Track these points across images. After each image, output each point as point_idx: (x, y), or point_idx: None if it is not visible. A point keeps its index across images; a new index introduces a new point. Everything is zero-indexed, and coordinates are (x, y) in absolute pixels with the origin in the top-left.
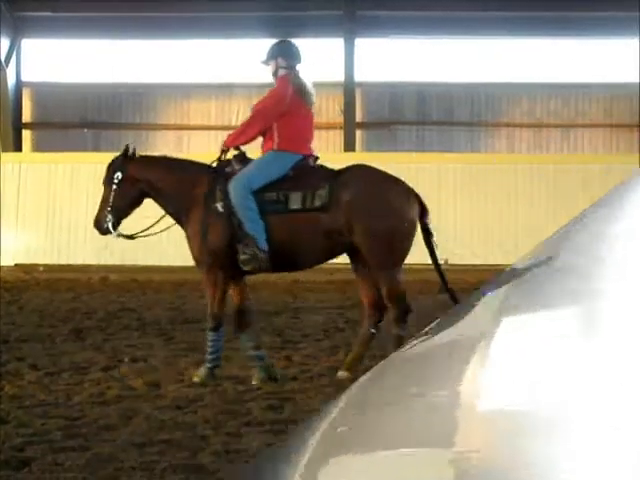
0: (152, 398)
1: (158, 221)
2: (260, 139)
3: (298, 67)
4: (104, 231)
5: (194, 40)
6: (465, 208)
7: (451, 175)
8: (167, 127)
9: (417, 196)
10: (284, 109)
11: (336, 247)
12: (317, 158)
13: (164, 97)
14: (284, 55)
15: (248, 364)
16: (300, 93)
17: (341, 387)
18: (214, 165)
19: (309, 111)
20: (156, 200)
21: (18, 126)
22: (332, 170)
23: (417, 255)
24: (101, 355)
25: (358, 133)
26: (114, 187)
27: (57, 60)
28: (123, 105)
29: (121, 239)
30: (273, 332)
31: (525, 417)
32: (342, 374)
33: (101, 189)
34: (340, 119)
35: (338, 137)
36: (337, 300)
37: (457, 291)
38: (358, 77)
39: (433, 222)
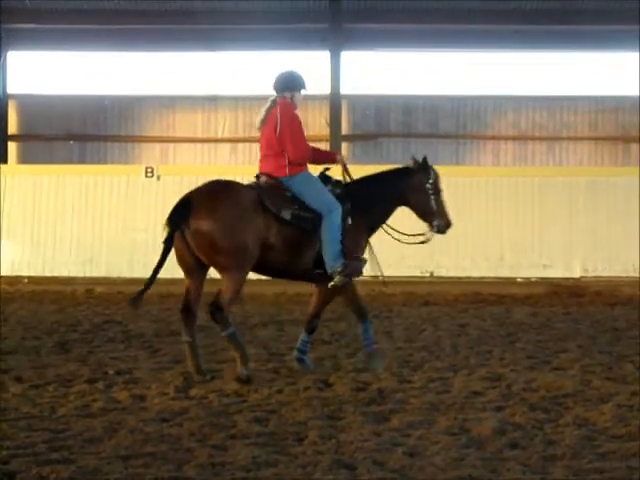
0: (137, 411)
1: None
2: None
3: (280, 91)
4: None
5: (179, 52)
6: None
7: None
8: (153, 139)
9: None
10: None
11: None
12: (267, 175)
13: (149, 109)
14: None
15: (233, 378)
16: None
17: (327, 401)
18: None
19: (261, 133)
20: None
21: (3, 138)
22: None
23: (403, 268)
24: (86, 367)
25: (344, 145)
26: None
27: (43, 72)
28: (109, 117)
29: (106, 251)
30: (259, 344)
31: None
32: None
33: (86, 201)
34: (326, 131)
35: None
36: (323, 312)
37: (442, 303)
38: (344, 90)
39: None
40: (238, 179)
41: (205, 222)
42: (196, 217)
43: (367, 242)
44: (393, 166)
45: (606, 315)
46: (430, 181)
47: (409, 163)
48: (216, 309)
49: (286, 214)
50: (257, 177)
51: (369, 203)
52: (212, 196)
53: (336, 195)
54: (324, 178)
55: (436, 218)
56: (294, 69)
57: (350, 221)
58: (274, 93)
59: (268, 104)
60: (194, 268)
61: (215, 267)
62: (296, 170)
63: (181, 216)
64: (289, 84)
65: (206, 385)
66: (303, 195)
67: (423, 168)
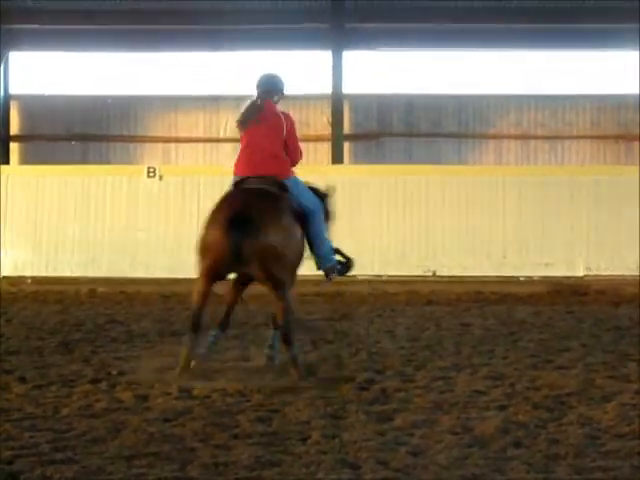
0: (140, 411)
1: None
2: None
3: (266, 93)
4: None
5: (181, 52)
6: (453, 220)
7: (439, 187)
8: (154, 139)
9: None
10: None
11: None
12: (268, 178)
13: (151, 109)
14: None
15: (237, 377)
16: (237, 120)
17: (330, 400)
18: None
19: (252, 132)
20: None
21: (6, 138)
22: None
23: (405, 268)
24: (89, 368)
25: (346, 145)
26: None
27: (45, 72)
28: (111, 117)
29: (109, 251)
30: (262, 344)
31: None
32: None
33: (88, 201)
34: (328, 131)
35: (326, 149)
36: (326, 312)
37: (444, 303)
38: (346, 89)
39: (421, 234)
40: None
41: (276, 237)
42: (265, 232)
43: None
44: (394, 166)
45: (609, 314)
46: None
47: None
48: (287, 332)
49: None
50: (243, 179)
51: None
52: (271, 208)
53: None
54: None
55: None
56: (277, 72)
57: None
58: (256, 93)
59: (249, 103)
60: (222, 278)
61: (270, 283)
62: (292, 172)
63: (243, 232)
64: (277, 87)
65: (209, 385)
66: (301, 195)
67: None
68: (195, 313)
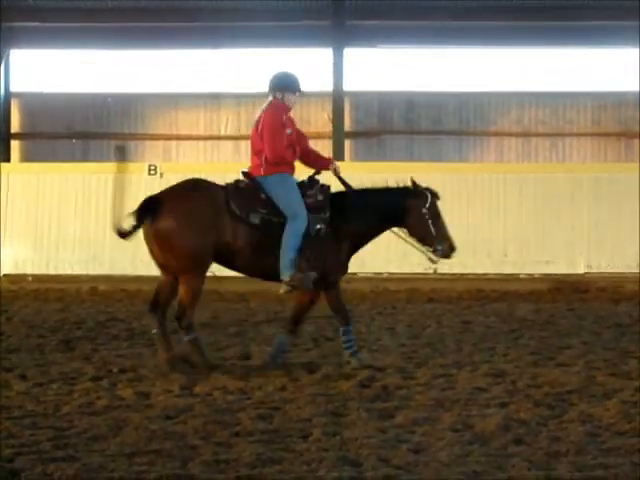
0: (142, 408)
1: None
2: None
3: (270, 92)
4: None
5: (182, 50)
6: (454, 217)
7: (440, 184)
8: (155, 137)
9: None
10: None
11: None
12: (246, 174)
13: (152, 107)
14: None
15: (238, 374)
16: None
17: (331, 397)
18: None
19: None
20: None
21: (6, 136)
22: None
23: (406, 265)
24: (90, 365)
25: (347, 142)
26: None
27: (45, 70)
28: (111, 115)
29: (110, 249)
30: (263, 341)
31: None
32: None
33: (89, 199)
34: (329, 128)
35: (327, 146)
36: (326, 309)
37: (445, 300)
38: (347, 86)
39: None
40: (240, 177)
41: (163, 222)
42: (157, 216)
43: (349, 256)
44: (395, 163)
45: (610, 311)
46: (427, 205)
47: (408, 184)
48: (178, 316)
49: (254, 218)
50: (243, 174)
51: (354, 217)
52: (176, 196)
53: (316, 201)
54: (310, 181)
55: (438, 242)
56: (289, 70)
57: (326, 230)
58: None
59: (264, 105)
60: (164, 265)
61: (173, 270)
62: (272, 170)
63: (147, 213)
64: (280, 84)
65: (210, 382)
66: (274, 196)
67: (417, 192)
68: (149, 304)
